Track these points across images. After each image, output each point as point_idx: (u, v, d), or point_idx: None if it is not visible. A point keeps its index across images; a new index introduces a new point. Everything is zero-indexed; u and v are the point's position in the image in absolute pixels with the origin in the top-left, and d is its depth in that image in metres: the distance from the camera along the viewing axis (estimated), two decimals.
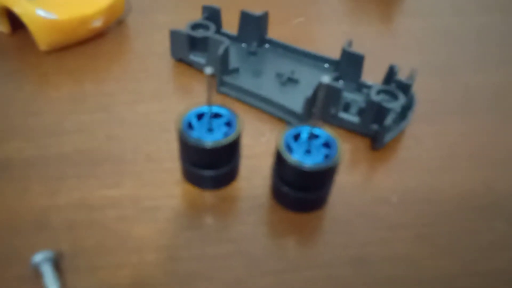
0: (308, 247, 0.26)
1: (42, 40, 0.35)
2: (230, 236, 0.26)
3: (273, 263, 0.25)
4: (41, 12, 0.34)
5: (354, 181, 0.29)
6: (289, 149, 0.25)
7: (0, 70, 0.35)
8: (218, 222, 0.26)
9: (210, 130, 0.26)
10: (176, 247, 0.25)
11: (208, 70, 0.23)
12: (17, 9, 0.34)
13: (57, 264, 0.24)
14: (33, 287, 0.23)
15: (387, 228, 0.26)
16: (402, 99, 0.30)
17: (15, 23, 0.37)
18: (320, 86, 0.23)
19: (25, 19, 0.34)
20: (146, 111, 0.33)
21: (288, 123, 0.32)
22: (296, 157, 0.25)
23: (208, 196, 0.28)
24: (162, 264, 0.24)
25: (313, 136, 0.26)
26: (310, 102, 0.30)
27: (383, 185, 0.29)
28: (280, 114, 0.32)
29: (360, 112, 0.31)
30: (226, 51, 0.33)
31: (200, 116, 0.27)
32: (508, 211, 0.28)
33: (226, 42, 0.32)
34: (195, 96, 0.34)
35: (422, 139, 0.32)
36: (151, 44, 0.38)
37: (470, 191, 0.29)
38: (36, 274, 0.23)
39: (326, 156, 0.25)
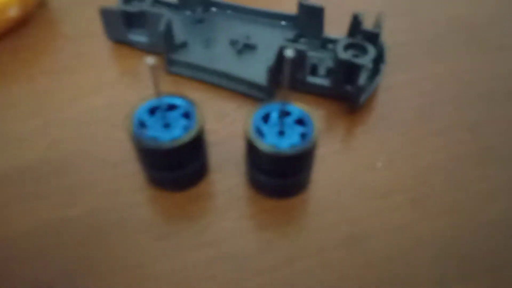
0: (298, 235, 0.23)
1: None
2: (211, 238, 0.23)
3: (263, 260, 0.22)
4: None
5: (335, 151, 0.26)
6: (260, 133, 0.22)
7: None
8: (195, 224, 0.24)
9: (166, 125, 0.23)
10: (148, 264, 0.22)
11: (150, 60, 0.20)
12: None
13: None
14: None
15: (378, 196, 0.24)
16: (372, 52, 0.27)
17: None
18: (285, 61, 0.19)
19: None
20: (89, 106, 0.29)
21: (251, 97, 0.28)
22: (269, 142, 0.22)
23: (179, 197, 0.25)
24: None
25: (284, 114, 0.22)
26: (273, 71, 0.27)
27: (365, 150, 0.26)
28: (242, 89, 0.29)
29: (329, 73, 0.28)
30: (169, 25, 0.28)
31: (152, 111, 0.23)
32: (501, 156, 0.26)
33: (166, 14, 0.28)
34: (142, 80, 0.30)
35: (398, 91, 0.29)
36: (82, 26, 0.33)
37: (456, 139, 0.27)
38: None
39: (303, 135, 0.22)
